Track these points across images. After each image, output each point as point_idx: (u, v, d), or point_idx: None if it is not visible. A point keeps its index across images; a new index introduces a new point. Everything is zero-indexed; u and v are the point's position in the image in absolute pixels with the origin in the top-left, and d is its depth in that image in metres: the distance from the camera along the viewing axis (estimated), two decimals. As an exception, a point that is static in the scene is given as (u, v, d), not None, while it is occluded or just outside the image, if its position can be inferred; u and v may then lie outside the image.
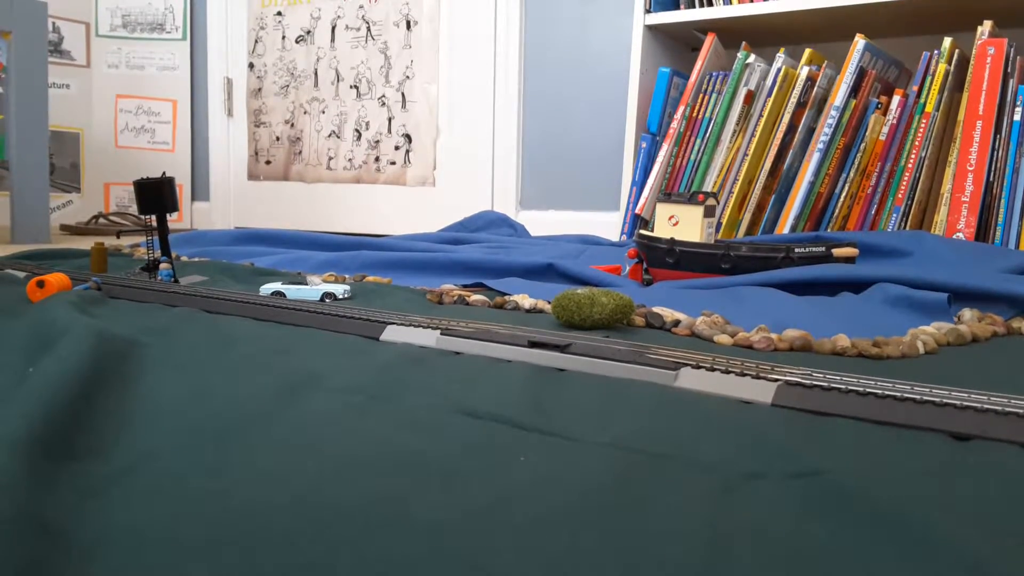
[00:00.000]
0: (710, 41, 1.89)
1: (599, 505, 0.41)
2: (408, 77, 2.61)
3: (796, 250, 1.25)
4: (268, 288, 1.12)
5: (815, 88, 1.75)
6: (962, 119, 1.53)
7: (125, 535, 0.37)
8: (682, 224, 1.32)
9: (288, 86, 2.82)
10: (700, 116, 1.88)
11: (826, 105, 1.70)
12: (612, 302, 0.92)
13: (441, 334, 0.83)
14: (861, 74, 1.69)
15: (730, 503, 0.42)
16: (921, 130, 1.60)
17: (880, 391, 0.59)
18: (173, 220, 2.66)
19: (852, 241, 1.26)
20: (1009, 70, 1.50)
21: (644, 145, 1.97)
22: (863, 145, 1.67)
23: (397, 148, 2.63)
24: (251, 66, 2.89)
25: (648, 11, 1.96)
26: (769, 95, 1.76)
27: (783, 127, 1.75)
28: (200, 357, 0.76)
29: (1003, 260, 1.26)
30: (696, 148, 1.87)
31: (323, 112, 2.76)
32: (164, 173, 1.29)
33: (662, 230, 1.34)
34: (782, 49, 1.79)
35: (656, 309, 0.98)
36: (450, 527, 0.38)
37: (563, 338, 0.77)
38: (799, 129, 1.74)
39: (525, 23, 2.39)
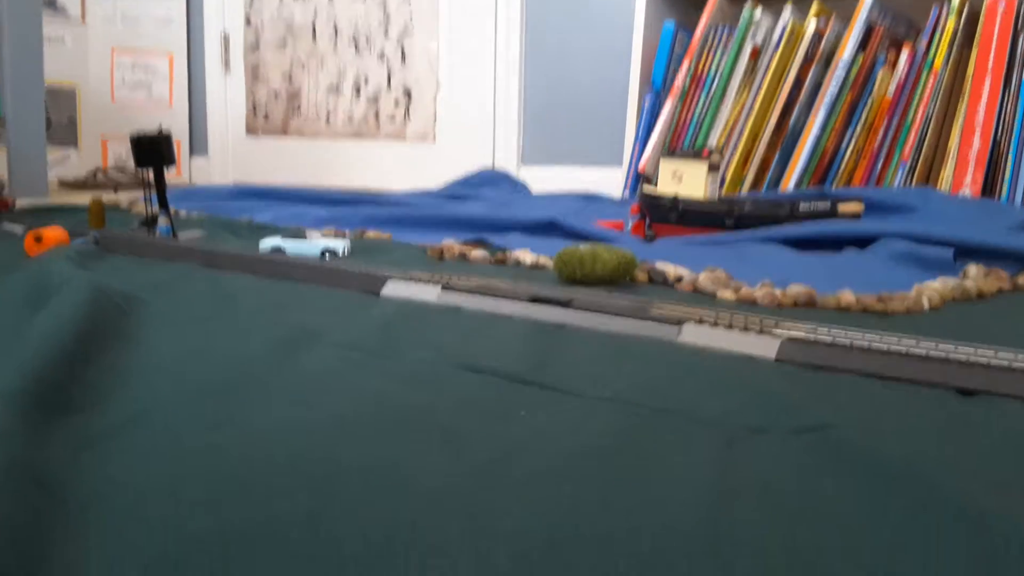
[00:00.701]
0: (716, -6, 1.86)
1: (601, 460, 0.41)
2: (407, 32, 2.57)
3: (801, 206, 1.24)
4: (268, 243, 1.11)
5: (822, 42, 1.72)
6: (971, 75, 1.51)
7: (122, 489, 0.36)
8: (686, 180, 1.31)
9: (286, 41, 2.78)
10: (705, 71, 1.85)
11: (833, 60, 1.68)
12: (615, 258, 0.91)
13: (442, 289, 0.82)
14: (869, 29, 1.66)
15: (734, 458, 0.41)
16: (929, 86, 1.57)
17: (885, 347, 0.59)
18: (171, 176, 2.64)
19: (857, 197, 1.25)
20: (1019, 26, 1.48)
21: (648, 101, 1.94)
22: (870, 101, 1.65)
23: (397, 104, 2.60)
24: (248, 20, 2.84)
25: (653, -37, 1.92)
26: (776, 50, 1.73)
27: (789, 82, 1.72)
28: (198, 313, 0.75)
29: (1009, 216, 1.25)
30: (701, 104, 1.85)
31: (321, 67, 2.72)
32: (161, 127, 1.27)
33: (666, 186, 1.33)
34: (789, 3, 1.76)
35: (659, 265, 0.97)
36: (451, 483, 0.38)
37: (565, 294, 0.77)
38: (805, 85, 1.72)
39: (527, -25, 2.35)
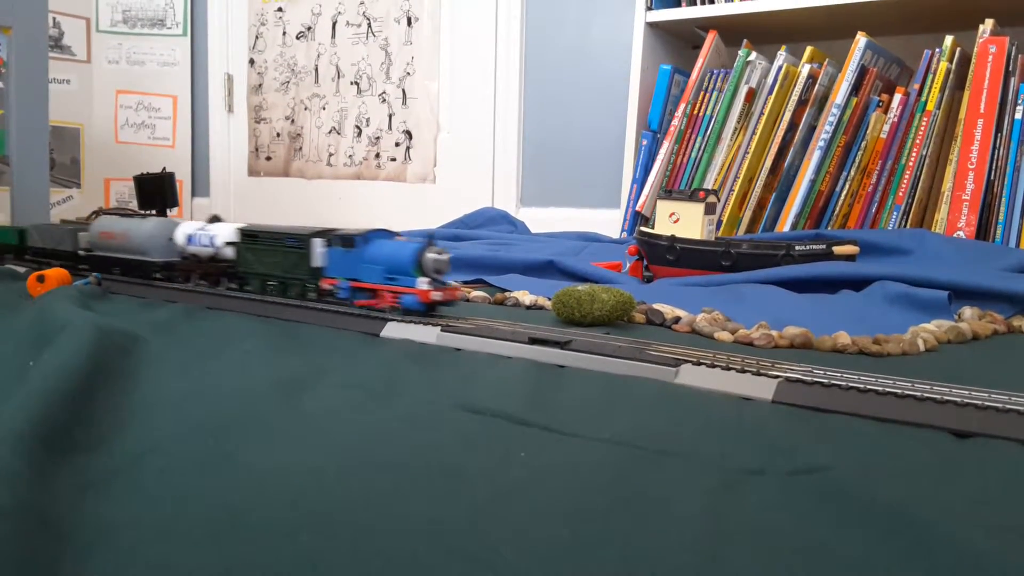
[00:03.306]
0: (711, 38, 1.89)
1: (600, 501, 0.41)
2: (409, 73, 2.60)
3: (797, 248, 1.25)
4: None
5: (816, 86, 1.75)
6: (963, 118, 1.53)
7: (125, 530, 0.37)
8: (683, 221, 1.32)
9: (289, 82, 2.82)
10: (701, 114, 1.88)
11: (827, 103, 1.70)
12: (612, 299, 0.92)
13: (441, 331, 0.83)
14: (862, 72, 1.69)
15: (730, 500, 0.42)
16: (922, 128, 1.60)
17: (880, 388, 0.59)
18: (173, 216, 2.66)
19: (853, 239, 1.26)
20: (1010, 69, 1.50)
21: (645, 142, 1.97)
22: (864, 143, 1.67)
23: (397, 145, 2.63)
24: (251, 62, 2.88)
25: (649, 8, 1.96)
26: (770, 93, 1.76)
27: (784, 125, 1.74)
28: (200, 353, 0.75)
29: (1004, 258, 1.26)
30: (697, 146, 1.87)
31: (324, 108, 2.76)
32: (164, 169, 1.30)
33: (663, 227, 1.34)
34: (783, 47, 1.79)
35: (656, 306, 0.98)
36: (451, 522, 0.38)
37: (563, 335, 0.77)
38: (800, 127, 1.74)
39: (526, 20, 2.39)
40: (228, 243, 1.03)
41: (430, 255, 0.84)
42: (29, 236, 1.37)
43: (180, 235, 1.08)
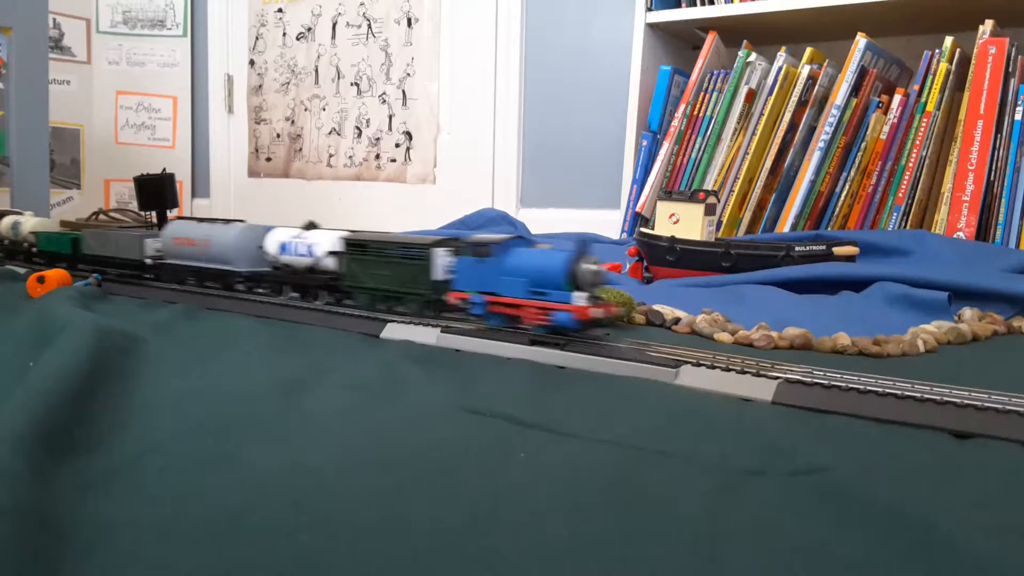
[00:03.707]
0: (711, 39, 1.89)
1: (600, 502, 0.41)
2: (409, 74, 2.60)
3: (796, 248, 1.25)
4: None
5: (816, 87, 1.75)
6: (963, 118, 1.53)
7: (125, 530, 0.37)
8: (683, 222, 1.32)
9: (289, 83, 2.82)
10: (701, 114, 1.88)
11: (827, 104, 1.70)
12: (612, 299, 0.92)
13: (441, 332, 0.83)
14: (862, 73, 1.69)
15: (730, 500, 0.42)
16: (922, 129, 1.60)
17: (880, 389, 0.59)
18: (173, 217, 2.66)
19: (853, 240, 1.26)
20: (1010, 69, 1.50)
21: (645, 143, 1.97)
22: (864, 144, 1.67)
23: (397, 145, 2.63)
24: (252, 63, 2.88)
25: (649, 9, 1.96)
26: (770, 94, 1.76)
27: (784, 126, 1.74)
28: (200, 353, 0.76)
29: (1003, 259, 1.26)
30: (697, 146, 1.87)
31: (324, 109, 2.76)
32: (164, 169, 1.29)
33: (663, 228, 1.34)
34: (783, 48, 1.79)
35: (656, 307, 0.98)
36: (450, 524, 0.38)
37: (563, 336, 0.77)
38: (800, 128, 1.74)
39: (526, 21, 2.39)
40: (330, 252, 0.94)
41: (586, 266, 0.74)
42: (84, 243, 1.25)
43: (272, 243, 0.99)
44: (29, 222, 1.39)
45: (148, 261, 1.14)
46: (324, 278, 0.96)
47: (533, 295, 0.76)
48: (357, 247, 0.92)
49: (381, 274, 0.90)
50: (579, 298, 0.73)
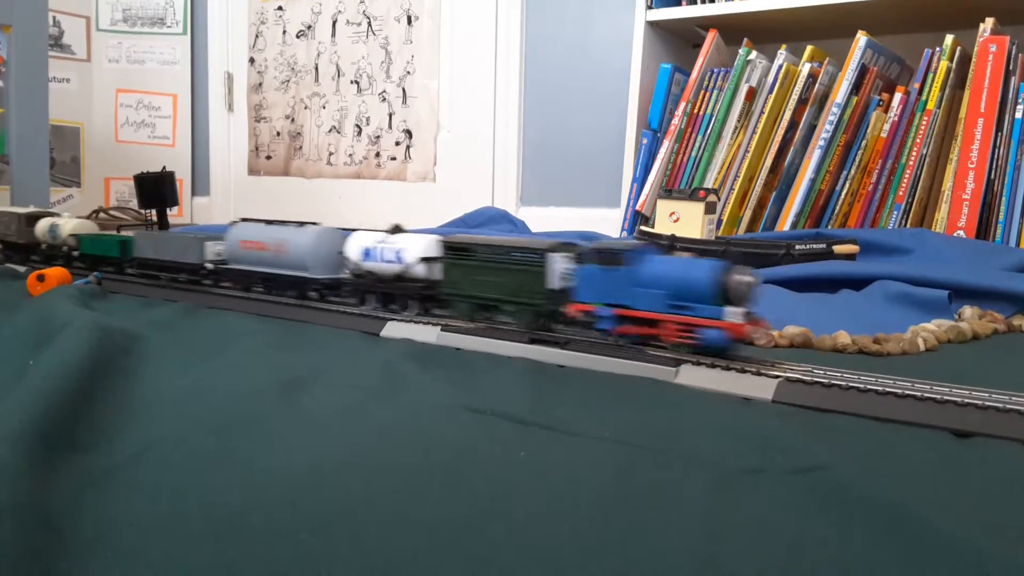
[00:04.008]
0: (712, 37, 1.89)
1: (599, 499, 0.41)
2: (409, 72, 2.60)
3: (797, 247, 1.25)
4: None
5: (816, 85, 1.74)
6: (963, 117, 1.53)
7: (124, 528, 0.37)
8: (683, 220, 1.32)
9: (288, 81, 2.82)
10: (701, 113, 1.87)
11: (827, 102, 1.70)
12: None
13: (442, 330, 0.83)
14: (863, 71, 1.69)
15: (730, 499, 0.42)
16: (922, 128, 1.60)
17: (880, 388, 0.59)
18: (173, 215, 2.67)
19: (853, 238, 1.26)
20: (1011, 68, 1.50)
21: (645, 141, 1.97)
22: (864, 142, 1.67)
23: (397, 144, 2.63)
24: (251, 61, 2.88)
25: (650, 7, 1.96)
26: (770, 92, 1.76)
27: (784, 124, 1.74)
28: (200, 352, 0.75)
29: (1004, 258, 1.26)
30: (697, 145, 1.87)
31: (323, 107, 2.76)
32: (164, 168, 1.29)
33: (663, 226, 1.34)
34: (784, 46, 1.79)
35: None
36: (451, 522, 0.38)
37: (563, 334, 0.77)
38: (800, 126, 1.74)
39: (526, 19, 2.39)
40: (424, 259, 0.86)
41: (737, 277, 0.66)
42: (135, 246, 1.17)
43: (353, 248, 0.92)
44: (68, 224, 1.31)
45: (209, 266, 1.06)
46: (415, 286, 0.88)
47: (674, 309, 0.68)
48: (458, 251, 0.84)
49: (486, 281, 0.81)
50: (732, 314, 0.65)
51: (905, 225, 1.62)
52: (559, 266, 0.76)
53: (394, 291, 0.91)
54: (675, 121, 1.91)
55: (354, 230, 0.95)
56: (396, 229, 0.91)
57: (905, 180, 1.62)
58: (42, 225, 1.34)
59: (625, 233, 1.96)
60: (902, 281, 1.05)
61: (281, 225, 1.02)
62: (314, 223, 1.00)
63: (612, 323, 0.71)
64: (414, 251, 0.87)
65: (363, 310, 0.92)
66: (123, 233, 1.26)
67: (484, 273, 0.81)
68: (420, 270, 0.87)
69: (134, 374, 0.65)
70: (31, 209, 1.39)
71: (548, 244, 0.77)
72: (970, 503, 0.42)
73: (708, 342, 0.66)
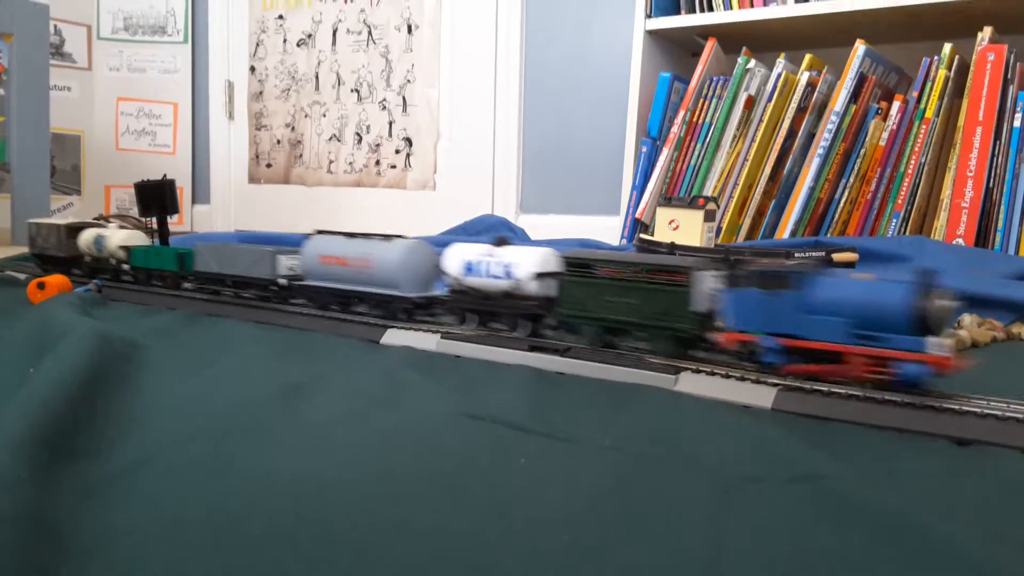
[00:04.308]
0: (711, 46, 1.89)
1: (599, 507, 0.41)
2: (409, 81, 2.61)
3: (796, 255, 1.25)
4: None
5: (815, 93, 1.75)
6: (962, 125, 1.53)
7: (125, 536, 0.37)
8: (682, 228, 1.32)
9: (289, 89, 2.82)
10: (700, 121, 1.88)
11: (826, 110, 1.70)
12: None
13: (441, 337, 0.83)
14: (861, 80, 1.69)
15: (730, 506, 0.42)
16: (921, 136, 1.60)
17: (880, 396, 0.59)
18: (174, 223, 2.67)
19: (852, 246, 1.26)
20: (1009, 76, 1.50)
21: (644, 149, 1.97)
22: (863, 151, 1.67)
23: (398, 152, 2.63)
24: (252, 69, 2.89)
25: (649, 16, 1.96)
26: (769, 100, 1.76)
27: (783, 132, 1.75)
28: (200, 359, 0.76)
29: (1003, 265, 1.26)
30: (696, 153, 1.87)
31: (324, 115, 2.76)
32: (165, 175, 1.29)
33: (662, 234, 1.34)
34: (782, 54, 1.79)
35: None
36: (452, 529, 0.38)
37: (563, 342, 0.77)
38: (799, 134, 1.74)
39: (526, 28, 2.39)
40: (539, 275, 0.79)
41: (939, 302, 0.57)
42: (197, 259, 1.09)
43: (454, 262, 0.84)
44: (116, 235, 1.23)
45: (282, 281, 1.00)
46: (528, 305, 0.80)
47: (859, 340, 0.59)
48: (582, 268, 0.76)
49: (617, 302, 0.73)
50: (935, 345, 0.56)
51: (904, 233, 1.62)
52: (708, 286, 0.68)
53: (501, 310, 0.83)
54: (674, 129, 1.91)
55: (448, 242, 0.89)
56: (502, 242, 0.84)
57: (904, 188, 1.62)
58: (87, 237, 1.26)
59: (625, 241, 1.97)
60: (901, 289, 1.05)
61: (364, 238, 0.94)
62: (399, 235, 0.93)
63: (781, 356, 0.63)
64: (527, 266, 0.79)
65: (363, 317, 0.92)
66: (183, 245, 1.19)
67: (615, 293, 0.73)
68: (532, 287, 0.79)
69: (135, 382, 0.65)
70: (71, 220, 1.33)
71: (695, 262, 0.69)
72: (970, 511, 0.42)
73: (907, 378, 0.58)
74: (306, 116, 2.81)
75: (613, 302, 0.73)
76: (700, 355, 0.70)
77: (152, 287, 1.12)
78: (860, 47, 1.68)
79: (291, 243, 1.78)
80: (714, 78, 1.90)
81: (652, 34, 2.01)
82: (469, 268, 0.83)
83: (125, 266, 1.20)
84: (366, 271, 0.90)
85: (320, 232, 0.99)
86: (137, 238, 1.23)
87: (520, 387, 0.67)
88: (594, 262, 0.75)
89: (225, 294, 1.06)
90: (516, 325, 0.82)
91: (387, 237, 0.92)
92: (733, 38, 1.90)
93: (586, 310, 0.75)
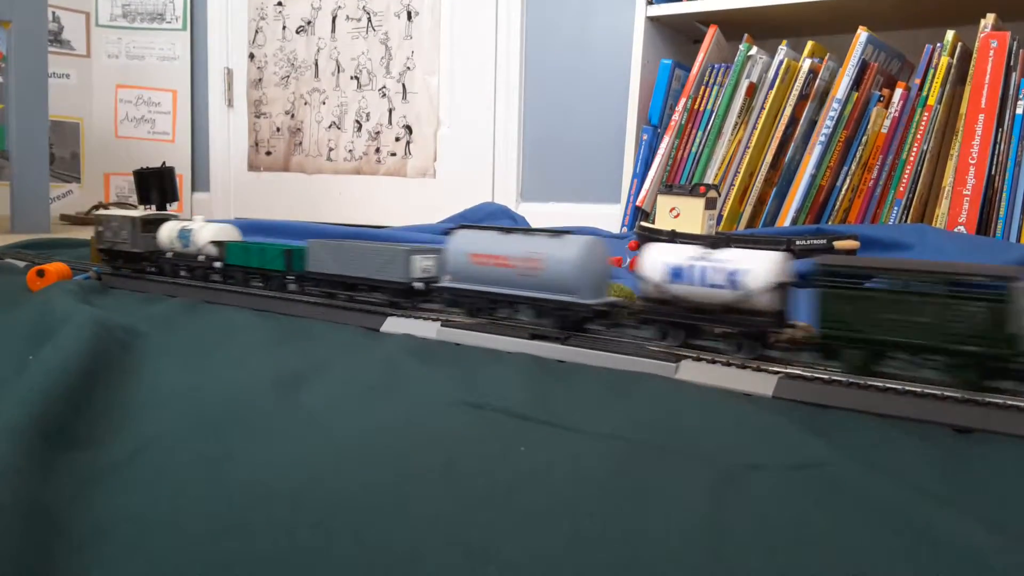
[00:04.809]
0: (712, 33, 1.88)
1: (599, 494, 0.41)
2: (409, 68, 2.60)
3: (797, 243, 1.25)
4: None
5: (817, 81, 1.74)
6: (964, 113, 1.53)
7: (125, 523, 0.37)
8: (683, 216, 1.32)
9: (288, 77, 2.81)
10: (702, 108, 1.87)
11: (828, 98, 1.70)
12: (613, 293, 0.92)
13: (441, 325, 0.82)
14: (863, 67, 1.68)
15: (731, 494, 0.42)
16: (923, 123, 1.59)
17: (881, 384, 0.59)
18: (173, 211, 2.67)
19: (853, 234, 1.26)
20: (1012, 63, 1.50)
21: (645, 137, 1.96)
22: (865, 138, 1.67)
23: (398, 139, 2.63)
24: (251, 56, 2.88)
25: (650, 2, 1.95)
26: (771, 87, 1.75)
27: (785, 120, 1.74)
28: (200, 347, 0.75)
29: (1004, 253, 1.26)
30: (697, 140, 1.87)
31: (323, 103, 2.75)
32: (164, 163, 1.29)
33: (663, 222, 1.34)
34: (784, 41, 1.78)
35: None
36: (451, 516, 0.38)
37: (564, 330, 0.77)
38: (801, 122, 1.74)
39: (526, 14, 2.38)
40: (782, 284, 0.66)
41: None
42: (310, 257, 0.97)
43: (655, 266, 0.71)
44: (206, 229, 1.10)
45: (418, 285, 0.88)
46: (761, 322, 0.67)
47: None
48: (852, 278, 0.63)
49: (902, 321, 0.60)
50: None
51: (906, 221, 1.62)
52: None
53: (726, 325, 0.68)
54: (675, 117, 1.90)
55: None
56: (718, 242, 0.70)
57: (906, 176, 1.62)
58: (168, 230, 1.14)
59: (625, 229, 1.96)
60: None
61: (525, 234, 0.81)
62: (564, 230, 0.81)
63: None
64: (761, 274, 0.66)
65: (362, 304, 0.92)
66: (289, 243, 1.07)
67: (897, 309, 0.60)
68: (764, 300, 0.66)
69: (134, 370, 0.65)
70: (146, 211, 1.21)
71: (1006, 271, 0.57)
72: (970, 498, 0.42)
73: None
74: (305, 103, 2.80)
75: (894, 320, 0.60)
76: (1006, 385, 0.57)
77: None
78: (862, 34, 1.68)
79: (292, 230, 1.77)
80: (715, 65, 1.89)
81: (653, 21, 2.00)
82: (677, 273, 0.70)
83: (216, 264, 1.08)
84: (534, 273, 0.77)
85: (465, 227, 0.86)
86: (228, 232, 1.11)
87: (521, 375, 0.66)
88: (868, 270, 0.63)
89: (340, 298, 0.95)
90: (741, 346, 0.68)
91: (555, 232, 0.79)
92: (735, 25, 1.90)
93: (854, 330, 0.62)
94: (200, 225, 1.10)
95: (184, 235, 1.11)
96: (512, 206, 2.34)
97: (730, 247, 0.69)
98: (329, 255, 0.95)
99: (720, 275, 0.67)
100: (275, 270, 1.01)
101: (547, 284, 0.76)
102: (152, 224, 1.16)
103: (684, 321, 0.71)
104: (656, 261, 0.71)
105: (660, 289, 0.71)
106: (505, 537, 0.36)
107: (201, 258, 1.09)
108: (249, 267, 1.04)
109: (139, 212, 1.20)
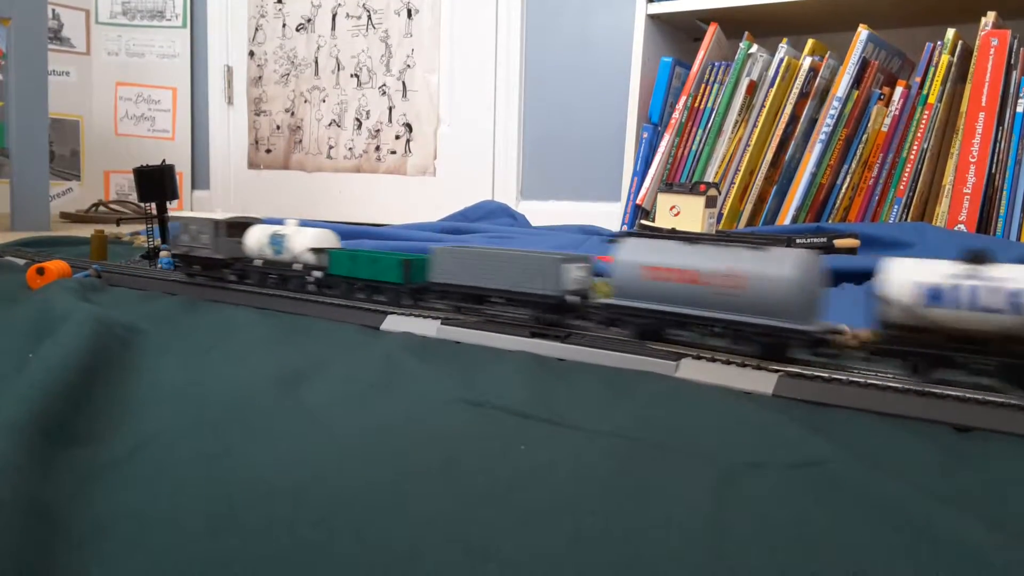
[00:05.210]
0: (712, 31, 1.88)
1: (600, 493, 0.41)
2: (409, 66, 2.60)
3: (797, 241, 1.25)
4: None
5: (817, 79, 1.74)
6: (964, 111, 1.53)
7: (125, 519, 0.37)
8: (683, 214, 1.32)
9: (288, 74, 2.81)
10: (702, 106, 1.87)
11: (828, 96, 1.70)
12: (598, 292, 0.92)
13: (442, 323, 0.82)
14: (864, 65, 1.68)
15: (731, 492, 0.42)
16: (923, 121, 1.59)
17: (881, 382, 0.59)
18: (173, 209, 2.67)
19: (854, 232, 1.26)
20: (1012, 62, 1.50)
21: (646, 135, 1.96)
22: (865, 136, 1.67)
23: (398, 137, 2.63)
24: (251, 54, 2.87)
25: (650, 0, 1.95)
26: (771, 85, 1.75)
27: (785, 118, 1.74)
28: (200, 345, 0.75)
29: (1005, 252, 1.26)
30: (698, 138, 1.87)
31: (323, 101, 2.75)
32: (164, 161, 1.29)
33: (663, 220, 1.34)
34: (785, 39, 1.78)
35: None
36: (451, 514, 0.38)
37: (564, 328, 0.77)
38: (801, 120, 1.74)
39: (526, 12, 2.38)
40: None
41: None
42: (434, 266, 0.87)
43: (902, 285, 0.60)
44: (302, 234, 0.99)
45: (571, 299, 0.78)
46: None
47: None
48: None
49: None
50: None
51: (906, 219, 1.62)
52: None
53: (1005, 357, 0.57)
54: (676, 115, 1.90)
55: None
56: (980, 258, 0.60)
57: (906, 174, 1.62)
58: (258, 235, 1.03)
59: (625, 227, 1.96)
60: (903, 275, 1.05)
61: (716, 244, 0.69)
62: (765, 241, 0.68)
63: None
64: None
65: (362, 303, 0.91)
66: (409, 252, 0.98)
67: None
68: None
69: (134, 367, 0.65)
70: (229, 215, 1.10)
71: None
72: (970, 497, 0.42)
73: None
74: (305, 101, 2.80)
75: None
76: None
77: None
78: (863, 32, 1.67)
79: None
80: (716, 63, 1.89)
81: (653, 19, 2.00)
82: (936, 296, 0.59)
83: (316, 273, 0.97)
84: (730, 292, 0.66)
85: (632, 234, 0.77)
86: (326, 238, 1.00)
87: (521, 373, 0.66)
88: None
89: (470, 310, 0.85)
90: (1011, 380, 0.57)
91: (756, 244, 0.67)
92: (735, 23, 1.89)
93: None
94: (294, 230, 1.00)
95: (276, 241, 1.00)
96: (512, 204, 2.34)
97: (996, 263, 0.59)
98: (456, 263, 0.86)
99: (998, 296, 0.57)
100: (391, 282, 0.91)
101: (753, 306, 0.65)
102: (237, 228, 1.06)
103: (939, 351, 0.59)
104: (905, 280, 0.61)
105: (912, 314, 0.60)
106: (505, 535, 0.36)
107: (297, 267, 0.98)
108: (357, 278, 0.93)
109: (222, 215, 1.10)
